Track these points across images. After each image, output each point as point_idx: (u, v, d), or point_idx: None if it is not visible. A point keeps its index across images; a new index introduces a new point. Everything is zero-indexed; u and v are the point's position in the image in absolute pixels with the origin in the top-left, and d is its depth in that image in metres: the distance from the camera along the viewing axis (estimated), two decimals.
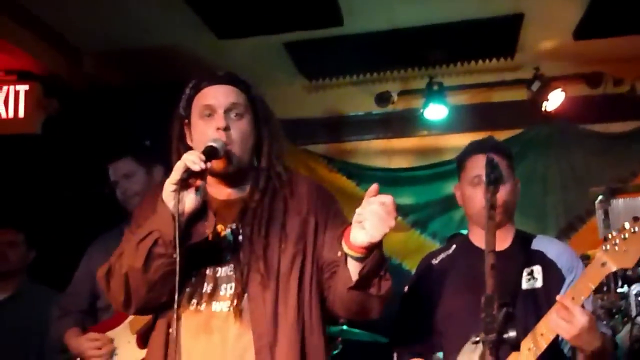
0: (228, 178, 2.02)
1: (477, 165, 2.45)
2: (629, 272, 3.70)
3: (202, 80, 2.03)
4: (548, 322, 2.12)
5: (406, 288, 2.67)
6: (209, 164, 1.82)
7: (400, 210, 5.58)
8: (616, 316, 3.54)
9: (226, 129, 1.93)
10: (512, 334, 1.53)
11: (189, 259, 1.86)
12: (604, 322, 3.03)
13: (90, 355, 2.87)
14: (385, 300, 1.89)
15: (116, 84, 4.87)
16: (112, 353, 2.88)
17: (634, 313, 3.42)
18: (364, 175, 5.69)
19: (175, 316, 1.81)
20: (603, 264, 2.08)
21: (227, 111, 1.96)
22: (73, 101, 4.41)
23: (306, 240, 1.99)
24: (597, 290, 3.84)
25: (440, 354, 2.50)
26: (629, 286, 3.51)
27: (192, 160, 1.79)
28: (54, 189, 4.57)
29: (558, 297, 2.09)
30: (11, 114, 4.19)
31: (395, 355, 2.61)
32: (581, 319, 2.03)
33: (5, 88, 4.21)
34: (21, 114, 4.19)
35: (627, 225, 2.08)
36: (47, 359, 3.90)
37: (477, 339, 1.57)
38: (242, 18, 4.32)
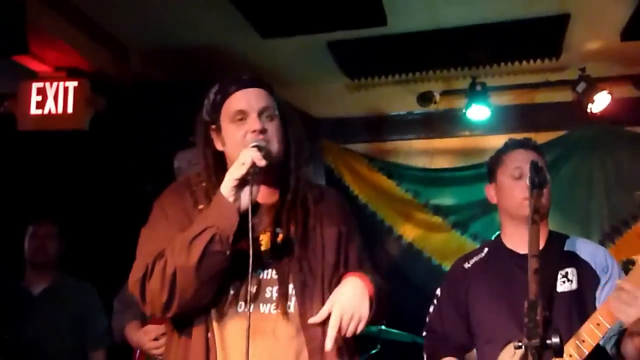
0: (266, 177, 2.01)
1: (518, 159, 2.46)
2: None
3: (229, 85, 2.04)
4: (605, 309, 2.10)
5: (438, 291, 2.67)
6: (266, 162, 1.86)
7: (441, 211, 5.57)
8: None
9: (263, 131, 1.95)
10: (555, 339, 1.53)
11: (234, 261, 1.87)
12: None
13: (148, 347, 2.95)
14: None
15: (162, 81, 4.94)
16: None
17: None
18: (404, 175, 5.69)
19: (213, 320, 1.87)
20: None
21: (259, 114, 1.98)
22: (120, 98, 4.49)
23: (342, 250, 2.07)
24: None
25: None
26: None
27: (256, 156, 1.83)
28: (98, 184, 4.68)
29: (618, 281, 2.08)
30: (60, 110, 4.27)
31: (425, 356, 2.61)
32: None
33: (55, 84, 4.31)
34: (70, 109, 4.27)
35: None
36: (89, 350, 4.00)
37: (520, 344, 1.56)
38: (286, 17, 4.34)
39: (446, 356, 2.50)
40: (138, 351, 3.13)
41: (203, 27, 4.47)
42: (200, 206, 2.01)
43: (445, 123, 5.70)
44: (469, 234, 5.46)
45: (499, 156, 2.59)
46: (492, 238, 2.67)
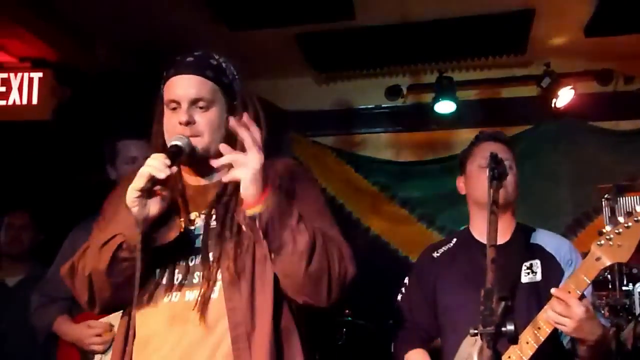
0: (199, 166, 1.95)
1: (487, 149, 2.48)
2: (635, 271, 3.73)
3: (172, 66, 1.94)
4: (546, 317, 2.12)
5: (406, 280, 2.71)
6: (174, 169, 1.76)
7: (408, 204, 5.62)
8: (620, 314, 3.57)
9: (189, 123, 1.86)
10: (510, 327, 1.56)
11: (161, 249, 1.83)
12: (602, 314, 3.05)
13: (90, 342, 2.80)
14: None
15: (128, 72, 4.90)
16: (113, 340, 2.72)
17: (637, 311, 3.45)
18: (372, 168, 5.72)
19: (135, 309, 1.80)
20: (597, 259, 2.10)
21: (191, 104, 1.88)
22: (85, 89, 4.45)
23: None
24: (602, 288, 3.87)
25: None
26: (634, 284, 3.53)
27: (156, 167, 1.73)
28: (64, 174, 4.62)
29: (553, 291, 2.10)
30: (25, 101, 4.22)
31: (393, 345, 2.65)
32: (578, 310, 2.03)
33: (19, 75, 4.25)
34: (34, 100, 4.22)
35: (621, 220, 2.09)
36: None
37: (475, 331, 1.59)
38: (254, 10, 4.34)
39: (414, 348, 2.53)
40: (65, 345, 2.97)
41: (170, 18, 4.45)
42: None
43: (412, 117, 5.73)
44: (436, 226, 5.50)
45: (469, 148, 2.63)
46: (461, 229, 2.71)
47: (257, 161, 1.72)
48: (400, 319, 2.68)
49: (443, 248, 2.66)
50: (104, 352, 2.81)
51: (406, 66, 5.45)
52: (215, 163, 1.78)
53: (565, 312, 2.05)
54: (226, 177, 1.76)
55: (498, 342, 1.57)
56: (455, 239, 2.67)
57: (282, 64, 5.33)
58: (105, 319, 2.81)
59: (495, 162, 1.99)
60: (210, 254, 1.86)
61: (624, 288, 3.66)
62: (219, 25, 4.47)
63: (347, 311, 4.40)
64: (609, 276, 3.76)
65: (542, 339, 2.13)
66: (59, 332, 2.96)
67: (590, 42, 4.90)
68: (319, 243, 1.78)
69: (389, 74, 5.62)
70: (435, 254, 2.65)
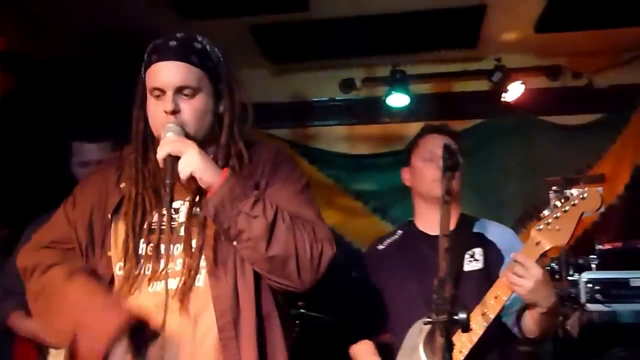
0: None
1: (431, 142, 2.54)
2: (581, 261, 3.82)
3: (154, 51, 1.87)
4: (502, 283, 2.16)
5: (355, 273, 2.73)
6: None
7: (362, 196, 5.65)
8: (567, 303, 3.65)
9: (174, 112, 1.82)
10: (462, 315, 1.58)
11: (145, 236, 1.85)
12: None
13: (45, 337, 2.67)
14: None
15: (82, 62, 4.80)
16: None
17: (583, 300, 3.53)
18: (326, 161, 5.73)
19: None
20: (537, 243, 2.14)
21: (177, 92, 1.83)
22: (35, 77, 4.33)
23: None
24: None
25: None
26: (579, 274, 3.62)
27: None
28: (23, 167, 4.49)
29: (513, 255, 2.14)
30: None
31: (345, 339, 2.65)
32: (536, 271, 2.08)
33: None
34: None
35: (558, 204, 2.14)
36: None
37: (429, 320, 1.61)
38: None
39: (361, 339, 2.56)
40: (20, 340, 2.91)
41: (124, 6, 4.37)
42: (122, 184, 1.93)
43: (366, 110, 5.77)
44: (389, 219, 5.54)
45: (414, 140, 2.66)
46: (406, 222, 2.73)
47: (191, 154, 1.76)
48: (350, 311, 2.69)
49: (388, 240, 2.68)
50: (59, 347, 2.71)
51: (360, 59, 5.47)
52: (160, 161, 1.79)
53: (523, 273, 2.09)
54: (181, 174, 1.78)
55: (450, 330, 1.59)
56: (400, 231, 2.69)
57: (236, 55, 5.27)
58: None
59: (449, 153, 2.01)
60: (194, 242, 1.84)
61: (570, 278, 3.75)
62: (173, 14, 4.41)
63: (300, 303, 4.39)
64: (556, 266, 3.84)
65: (498, 310, 2.16)
66: (14, 327, 2.89)
67: (540, 38, 4.99)
68: (282, 226, 1.77)
69: (343, 67, 5.63)
70: (380, 247, 2.67)
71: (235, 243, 1.79)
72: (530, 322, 2.25)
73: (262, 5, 4.41)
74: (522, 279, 2.09)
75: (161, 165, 1.81)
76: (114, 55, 4.50)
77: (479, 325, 2.16)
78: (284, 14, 4.57)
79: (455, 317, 1.57)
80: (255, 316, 1.80)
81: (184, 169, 1.77)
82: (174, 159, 1.78)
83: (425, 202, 2.56)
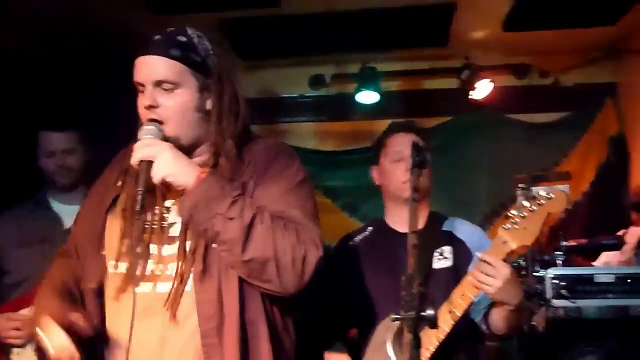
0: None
1: (400, 143, 2.53)
2: (547, 257, 3.86)
3: (143, 46, 1.85)
4: (470, 282, 2.17)
5: (325, 269, 2.71)
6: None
7: (331, 193, 5.64)
8: (533, 299, 3.69)
9: (152, 107, 1.78)
10: (430, 312, 1.59)
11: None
12: None
13: (7, 336, 2.64)
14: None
15: (49, 56, 4.71)
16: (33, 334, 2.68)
17: (549, 296, 3.57)
18: None
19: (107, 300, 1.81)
20: (504, 242, 2.15)
21: (156, 86, 1.79)
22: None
23: None
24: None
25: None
26: (546, 270, 3.65)
27: None
28: None
29: (479, 254, 2.15)
30: None
31: (312, 337, 2.64)
32: (504, 270, 2.09)
33: None
34: None
35: (526, 203, 2.15)
36: None
37: (397, 316, 1.61)
38: None
39: (332, 335, 2.60)
40: None
41: (94, 1, 4.30)
42: (119, 182, 1.91)
43: (336, 107, 5.77)
44: (359, 216, 5.54)
45: (382, 139, 2.65)
46: (376, 219, 2.73)
47: (164, 158, 1.73)
48: (319, 309, 2.68)
49: (359, 237, 2.68)
50: (22, 346, 2.67)
51: (330, 56, 5.46)
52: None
53: (491, 272, 2.10)
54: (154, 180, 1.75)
55: (418, 327, 1.60)
56: (371, 228, 2.69)
57: None
58: (26, 312, 2.64)
59: (417, 151, 2.02)
60: (188, 244, 1.79)
61: (536, 274, 3.79)
62: (142, 9, 4.35)
63: None
64: (523, 263, 3.88)
65: (465, 307, 2.18)
66: None
67: (508, 37, 5.04)
68: (259, 228, 1.71)
69: (313, 64, 5.62)
70: (350, 243, 2.67)
71: (214, 246, 1.74)
72: (498, 319, 2.28)
73: (232, 1, 4.37)
74: (491, 278, 2.10)
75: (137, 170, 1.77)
76: (81, 48, 4.43)
77: (446, 323, 2.17)
78: (254, 10, 4.54)
79: (423, 314, 1.58)
80: (239, 322, 1.74)
81: (157, 174, 1.73)
82: (148, 164, 1.73)
83: (394, 201, 2.57)
